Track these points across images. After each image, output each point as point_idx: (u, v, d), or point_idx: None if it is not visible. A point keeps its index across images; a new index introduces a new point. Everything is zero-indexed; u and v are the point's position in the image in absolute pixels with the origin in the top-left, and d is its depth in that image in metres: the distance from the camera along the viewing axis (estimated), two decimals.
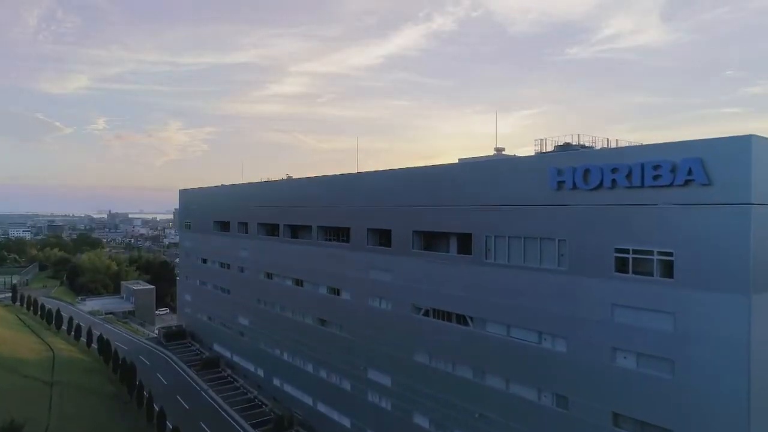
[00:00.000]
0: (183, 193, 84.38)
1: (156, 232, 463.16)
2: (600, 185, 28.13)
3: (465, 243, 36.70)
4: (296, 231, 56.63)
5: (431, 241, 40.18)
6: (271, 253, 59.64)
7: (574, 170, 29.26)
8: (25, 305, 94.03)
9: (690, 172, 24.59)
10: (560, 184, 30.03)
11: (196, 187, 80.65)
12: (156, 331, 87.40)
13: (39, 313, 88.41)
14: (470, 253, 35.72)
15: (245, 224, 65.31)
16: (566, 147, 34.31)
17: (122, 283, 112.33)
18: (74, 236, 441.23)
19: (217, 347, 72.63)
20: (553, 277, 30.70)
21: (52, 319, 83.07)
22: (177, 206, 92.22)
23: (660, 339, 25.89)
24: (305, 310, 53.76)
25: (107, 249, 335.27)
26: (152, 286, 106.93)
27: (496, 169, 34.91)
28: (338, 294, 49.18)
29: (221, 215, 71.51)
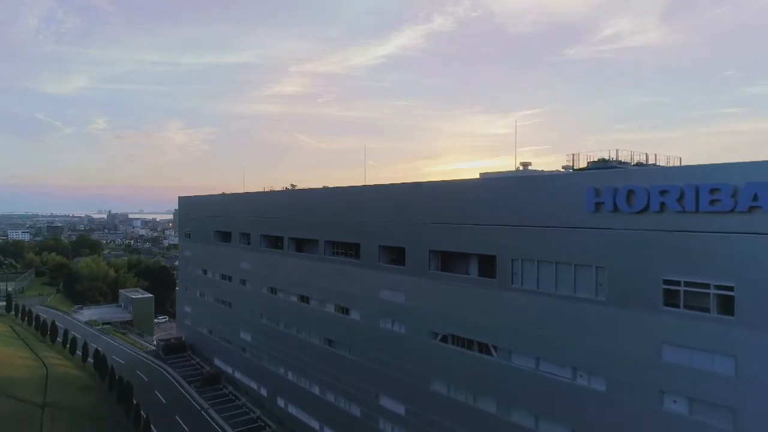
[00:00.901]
0: (182, 200, 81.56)
1: (156, 234, 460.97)
2: (646, 208, 25.25)
3: (487, 265, 33.88)
4: (301, 244, 53.76)
5: (449, 261, 37.30)
6: (275, 266, 56.78)
7: (616, 191, 26.38)
8: (19, 316, 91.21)
9: (755, 198, 21.73)
10: (598, 205, 27.16)
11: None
12: (155, 343, 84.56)
13: (34, 323, 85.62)
14: (494, 277, 32.91)
15: (247, 235, 62.45)
16: (602, 164, 31.46)
17: (120, 291, 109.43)
18: (74, 237, 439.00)
19: (218, 362, 69.76)
20: (590, 307, 27.84)
21: (47, 330, 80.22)
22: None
23: (718, 384, 23.02)
24: (311, 329, 50.89)
25: (106, 251, 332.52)
26: (151, 295, 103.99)
27: (523, 186, 32.01)
28: (347, 313, 46.32)
29: (222, 225, 68.66)
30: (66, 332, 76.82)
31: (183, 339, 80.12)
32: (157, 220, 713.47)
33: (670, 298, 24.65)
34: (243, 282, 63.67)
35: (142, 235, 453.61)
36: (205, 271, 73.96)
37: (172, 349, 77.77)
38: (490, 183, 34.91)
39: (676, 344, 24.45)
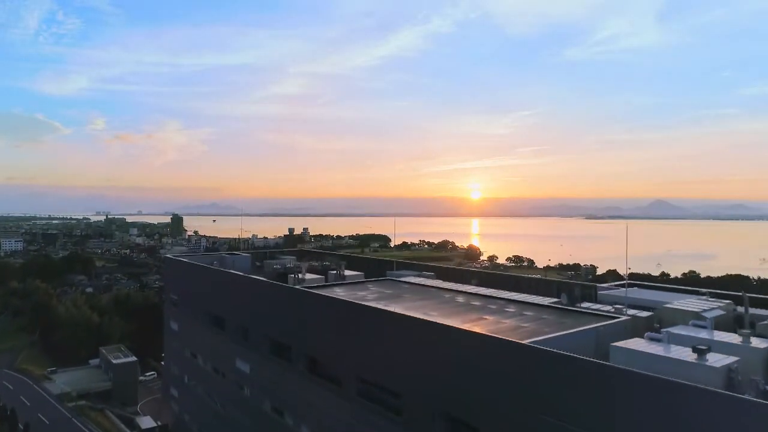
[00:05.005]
0: (169, 262, 68.48)
1: (152, 242, 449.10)
2: None
3: None
4: (317, 364, 40.55)
5: None
6: (281, 382, 43.61)
7: None
8: None
9: None
10: None
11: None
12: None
13: None
14: None
15: (245, 330, 49.25)
16: None
17: (100, 349, 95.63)
18: (69, 245, 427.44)
19: None
20: None
21: (5, 416, 67.27)
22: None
23: None
24: None
25: (101, 264, 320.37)
26: (134, 359, 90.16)
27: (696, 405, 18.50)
28: None
29: (215, 306, 55.45)
30: (27, 425, 63.71)
31: (169, 427, 67.11)
32: (156, 223, 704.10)
33: None
34: (240, 386, 50.53)
35: (138, 244, 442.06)
36: (194, 355, 60.80)
37: None
38: (631, 378, 21.09)
39: None
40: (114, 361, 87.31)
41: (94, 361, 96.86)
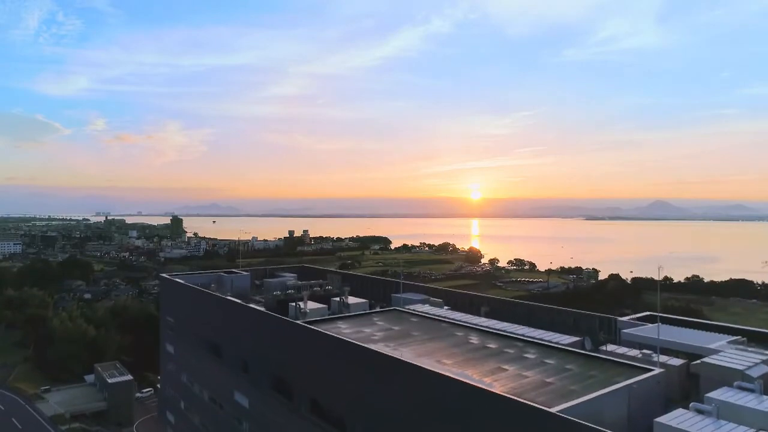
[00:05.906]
0: (165, 282, 65.82)
1: (151, 245, 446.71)
2: None
3: None
4: (320, 406, 37.98)
5: None
6: (282, 421, 41.00)
7: None
8: None
9: None
10: None
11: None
12: None
13: None
14: None
15: (245, 362, 46.68)
16: None
17: (95, 366, 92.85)
18: (68, 248, 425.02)
19: None
20: None
21: None
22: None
23: None
24: None
25: (99, 268, 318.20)
26: (130, 378, 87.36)
27: None
28: None
29: (212, 333, 52.85)
30: None
31: None
32: (155, 224, 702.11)
33: None
34: (238, 420, 47.94)
35: (138, 247, 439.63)
36: (191, 382, 58.22)
37: None
38: None
39: None
40: (109, 380, 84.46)
41: (89, 377, 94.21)
